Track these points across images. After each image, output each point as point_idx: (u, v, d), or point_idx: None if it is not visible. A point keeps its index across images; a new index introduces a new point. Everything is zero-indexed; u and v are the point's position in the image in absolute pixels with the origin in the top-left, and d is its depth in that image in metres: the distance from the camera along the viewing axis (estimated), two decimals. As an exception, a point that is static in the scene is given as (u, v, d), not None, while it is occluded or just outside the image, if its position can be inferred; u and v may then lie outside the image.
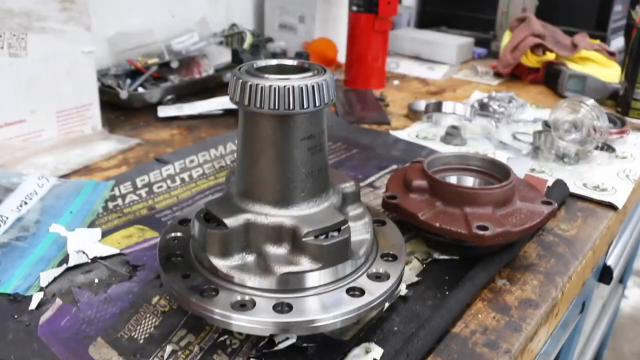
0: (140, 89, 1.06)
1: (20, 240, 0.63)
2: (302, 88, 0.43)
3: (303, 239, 0.45)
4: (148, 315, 0.54)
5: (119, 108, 1.04)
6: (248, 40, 1.20)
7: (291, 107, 0.43)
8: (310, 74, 0.46)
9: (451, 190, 0.62)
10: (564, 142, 0.86)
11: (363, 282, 0.47)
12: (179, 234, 0.54)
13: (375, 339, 0.51)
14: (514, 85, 1.34)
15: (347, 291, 0.46)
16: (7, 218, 0.65)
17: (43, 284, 0.57)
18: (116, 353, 0.50)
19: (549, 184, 0.77)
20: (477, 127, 0.94)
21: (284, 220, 0.46)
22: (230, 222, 0.46)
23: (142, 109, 1.06)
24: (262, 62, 0.48)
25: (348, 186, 0.52)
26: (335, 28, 1.37)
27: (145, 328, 0.52)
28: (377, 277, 0.48)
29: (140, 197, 0.75)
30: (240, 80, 0.44)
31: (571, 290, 0.64)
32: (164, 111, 1.05)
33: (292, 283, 0.45)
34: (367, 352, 0.49)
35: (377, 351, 0.49)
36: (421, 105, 1.08)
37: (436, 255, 0.64)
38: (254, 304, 0.44)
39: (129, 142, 0.90)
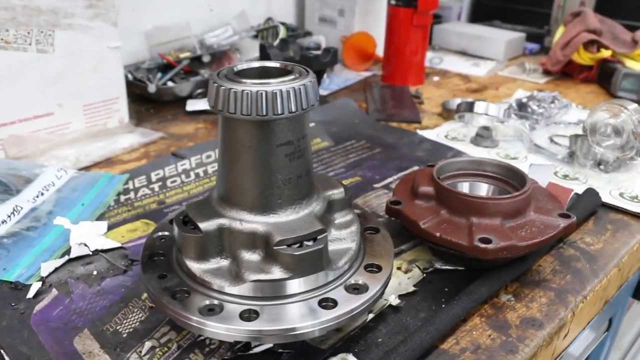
0: (170, 83, 1.07)
1: (31, 230, 0.65)
2: (275, 93, 0.41)
3: (274, 247, 0.43)
4: (136, 310, 0.54)
5: (150, 101, 1.06)
6: (281, 34, 1.19)
7: (264, 113, 0.42)
8: (290, 77, 0.44)
9: (457, 198, 0.58)
10: (601, 148, 0.79)
11: (338, 293, 0.45)
12: (166, 233, 0.54)
13: (356, 349, 0.49)
14: (564, 84, 1.26)
15: (320, 302, 0.44)
16: (22, 208, 0.68)
17: (43, 273, 0.59)
18: (98, 345, 0.50)
19: (580, 192, 0.71)
20: (510, 129, 0.89)
21: (258, 227, 0.45)
22: (205, 226, 0.45)
23: (172, 103, 1.08)
24: (244, 65, 0.47)
25: (336, 193, 0.50)
26: (375, 22, 1.33)
27: (130, 322, 0.53)
28: (355, 289, 0.46)
29: (153, 191, 0.76)
30: (216, 85, 0.43)
31: (587, 310, 0.59)
32: (192, 105, 1.06)
33: (262, 291, 0.44)
34: (343, 363, 0.47)
35: (353, 364, 0.47)
36: (456, 103, 1.03)
37: (438, 265, 0.61)
38: (221, 309, 0.44)
39: (152, 135, 0.92)
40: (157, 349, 0.50)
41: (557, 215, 0.59)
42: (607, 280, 0.61)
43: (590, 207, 0.71)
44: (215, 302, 0.44)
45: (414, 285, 0.58)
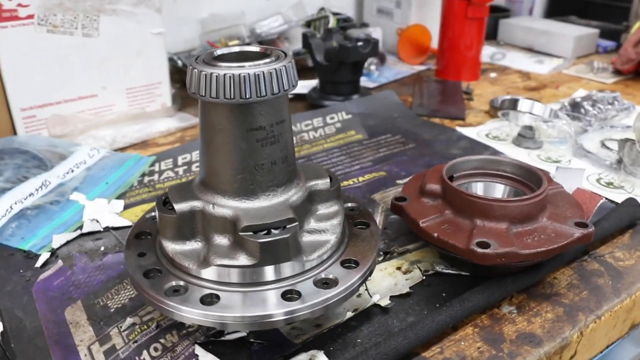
0: (217, 71, 1.09)
1: (54, 204, 0.69)
2: (244, 76, 0.41)
3: (240, 233, 0.43)
4: (129, 287, 0.56)
5: (195, 88, 1.09)
6: (330, 24, 1.18)
7: (231, 96, 0.41)
8: (265, 61, 0.43)
9: (461, 198, 0.55)
10: (651, 154, 0.72)
11: (305, 286, 0.43)
12: (159, 213, 0.54)
13: (331, 347, 0.48)
14: (635, 84, 1.15)
15: (284, 293, 0.43)
16: (50, 183, 0.72)
17: (54, 245, 0.62)
18: (86, 317, 0.52)
19: (612, 201, 0.65)
20: (554, 130, 0.82)
21: (228, 212, 0.44)
22: (179, 207, 0.45)
23: (219, 90, 1.10)
24: (224, 50, 0.47)
25: (320, 183, 0.49)
26: (432, 14, 1.28)
27: (121, 298, 0.54)
28: (325, 284, 0.44)
29: (177, 174, 0.78)
30: (190, 67, 0.43)
31: (602, 333, 0.54)
32: (237, 93, 1.08)
33: (227, 276, 0.44)
34: (311, 360, 0.46)
35: (321, 362, 0.46)
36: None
37: (439, 268, 0.57)
38: (186, 291, 0.44)
39: (190, 120, 0.94)
40: (137, 326, 0.51)
41: (574, 223, 0.54)
42: (631, 300, 0.55)
43: (627, 218, 0.64)
44: (182, 283, 0.44)
45: (410, 287, 0.55)
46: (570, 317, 0.52)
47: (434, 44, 1.26)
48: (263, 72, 0.41)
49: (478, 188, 0.62)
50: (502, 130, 0.91)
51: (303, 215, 0.47)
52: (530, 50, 1.39)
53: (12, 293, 0.56)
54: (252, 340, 0.48)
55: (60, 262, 0.60)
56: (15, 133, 0.85)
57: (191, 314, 0.42)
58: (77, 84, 0.87)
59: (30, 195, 0.69)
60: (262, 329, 0.44)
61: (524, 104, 0.85)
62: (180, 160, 0.81)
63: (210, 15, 1.23)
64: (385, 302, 0.53)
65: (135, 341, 0.49)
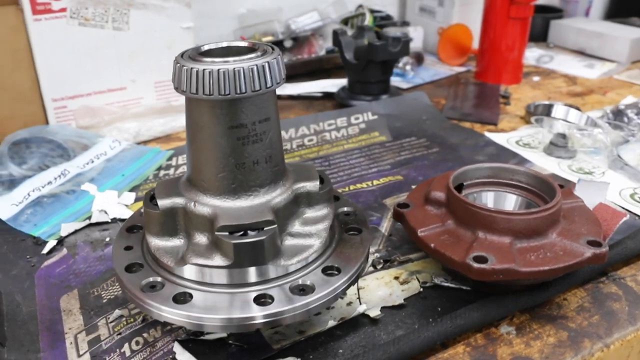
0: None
1: (70, 193, 0.71)
2: (223, 72, 0.40)
3: (215, 233, 0.42)
4: (124, 280, 0.56)
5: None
6: (366, 21, 1.15)
7: (210, 92, 0.40)
8: (248, 56, 0.42)
9: (463, 207, 0.52)
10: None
11: (280, 291, 0.42)
12: (155, 208, 0.55)
13: (311, 356, 0.46)
14: (694, 92, 1.06)
15: (257, 298, 0.42)
16: (69, 172, 0.74)
17: (63, 233, 0.63)
18: (79, 306, 0.53)
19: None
20: (588, 139, 0.77)
21: (207, 210, 0.44)
22: (162, 203, 0.45)
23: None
24: (211, 45, 0.46)
25: (309, 185, 0.47)
26: (476, 13, 1.24)
27: (115, 290, 0.55)
28: (301, 290, 0.43)
29: (193, 169, 0.78)
30: (174, 62, 0.43)
31: (611, 361, 0.49)
32: (267, 90, 1.07)
33: (202, 276, 0.43)
34: (287, 368, 0.44)
35: (296, 371, 0.44)
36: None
37: (437, 281, 0.54)
38: (162, 287, 0.43)
39: (215, 116, 0.94)
40: (124, 319, 0.51)
41: (586, 241, 0.49)
42: (649, 329, 0.50)
43: (655, 239, 0.59)
44: (159, 279, 0.44)
45: (405, 299, 0.53)
46: (574, 342, 0.48)
47: (476, 44, 1.21)
48: (243, 68, 0.40)
49: (489, 198, 0.58)
50: (534, 137, 0.86)
51: (287, 217, 0.46)
52: (581, 53, 1.31)
53: (16, 277, 0.57)
54: (231, 342, 0.47)
55: (64, 250, 0.61)
56: (47, 123, 0.88)
57: (161, 310, 0.41)
58: (107, 76, 0.90)
59: (48, 183, 0.71)
60: (228, 332, 0.43)
61: (558, 110, 0.80)
62: (198, 155, 0.81)
63: (248, 11, 1.23)
64: (374, 312, 0.51)
65: (120, 333, 0.49)
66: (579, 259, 0.48)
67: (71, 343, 0.49)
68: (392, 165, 0.80)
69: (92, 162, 0.77)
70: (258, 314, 0.40)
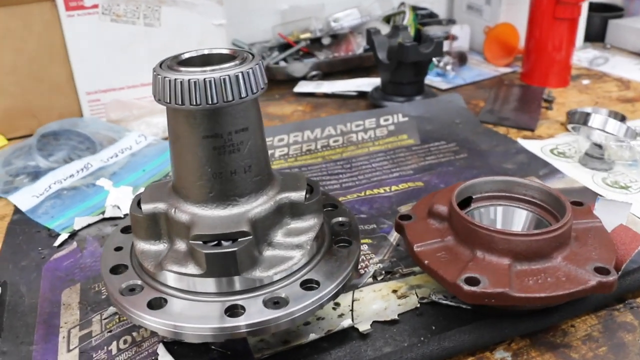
0: (283, 63, 1.09)
1: (90, 187, 0.73)
2: (193, 82, 0.39)
3: (190, 241, 0.41)
4: (125, 276, 0.57)
5: (265, 79, 1.10)
6: (405, 20, 1.12)
7: (181, 102, 0.40)
8: (221, 66, 0.41)
9: (463, 224, 0.49)
10: None
11: (252, 303, 0.41)
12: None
13: (291, 369, 0.45)
14: None
15: (228, 309, 0.41)
16: (92, 166, 0.76)
17: (76, 227, 0.65)
18: (78, 300, 0.55)
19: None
20: (626, 151, 0.71)
21: (185, 218, 0.43)
22: (145, 207, 0.45)
23: (285, 82, 1.10)
24: (192, 53, 0.45)
25: (293, 196, 0.46)
26: (523, 12, 1.17)
27: (115, 287, 0.56)
28: (275, 303, 0.42)
29: (212, 167, 0.79)
30: (153, 71, 0.43)
31: (617, 399, 0.45)
32: (301, 87, 1.07)
33: (178, 282, 0.43)
34: (264, 379, 0.44)
35: (273, 383, 0.43)
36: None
37: (435, 298, 0.52)
38: (141, 291, 0.43)
39: (242, 113, 0.94)
40: (117, 316, 0.52)
41: (593, 268, 0.46)
42: (662, 367, 0.46)
43: (684, 266, 0.53)
44: (139, 282, 0.44)
45: (400, 314, 0.51)
46: (574, 376, 0.44)
47: (522, 44, 1.15)
48: (214, 78, 0.39)
49: (498, 212, 0.55)
50: (571, 146, 0.81)
51: (268, 228, 0.45)
52: (641, 55, 1.22)
53: (25, 268, 0.60)
54: (214, 347, 0.47)
55: (74, 244, 0.63)
56: (81, 115, 0.91)
57: (134, 314, 0.41)
58: (139, 71, 0.91)
59: (70, 176, 0.73)
60: (194, 341, 0.43)
61: (595, 120, 0.75)
62: (218, 153, 0.82)
63: (290, 7, 1.22)
64: (364, 327, 0.49)
65: (110, 331, 0.50)
66: (582, 287, 0.44)
67: (64, 337, 0.50)
68: (415, 171, 0.77)
69: (117, 155, 0.79)
70: (228, 325, 0.40)
